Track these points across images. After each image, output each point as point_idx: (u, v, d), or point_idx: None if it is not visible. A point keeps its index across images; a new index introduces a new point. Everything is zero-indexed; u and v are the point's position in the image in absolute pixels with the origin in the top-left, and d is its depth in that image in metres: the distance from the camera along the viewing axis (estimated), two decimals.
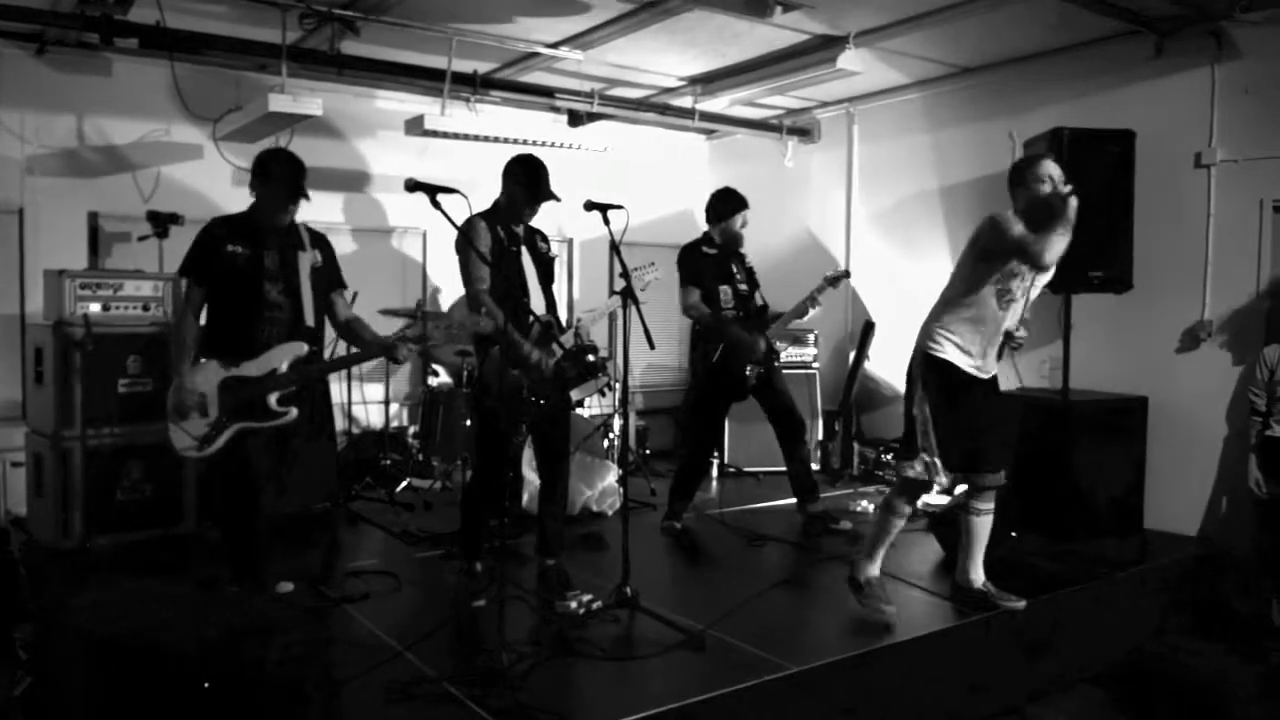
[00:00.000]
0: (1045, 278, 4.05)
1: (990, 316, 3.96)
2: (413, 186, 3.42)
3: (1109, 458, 5.40)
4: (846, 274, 5.99)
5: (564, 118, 7.28)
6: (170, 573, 4.62)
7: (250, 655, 3.32)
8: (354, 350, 4.16)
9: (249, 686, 3.00)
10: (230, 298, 3.81)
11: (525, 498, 5.48)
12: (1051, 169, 3.95)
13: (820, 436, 7.39)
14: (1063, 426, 5.28)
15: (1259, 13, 5.14)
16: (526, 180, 4.25)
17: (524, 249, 4.32)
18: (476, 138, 6.35)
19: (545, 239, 4.49)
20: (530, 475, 5.41)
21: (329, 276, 4.06)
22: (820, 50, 6.01)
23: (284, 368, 3.76)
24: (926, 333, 4.06)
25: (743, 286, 5.56)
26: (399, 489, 6.18)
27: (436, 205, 3.37)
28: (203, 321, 3.88)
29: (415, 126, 6.10)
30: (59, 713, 3.21)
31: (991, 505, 4.15)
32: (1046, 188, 3.90)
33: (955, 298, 4.02)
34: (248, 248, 3.80)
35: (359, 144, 6.99)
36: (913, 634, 3.91)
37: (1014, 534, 4.98)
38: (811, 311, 5.63)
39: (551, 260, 4.49)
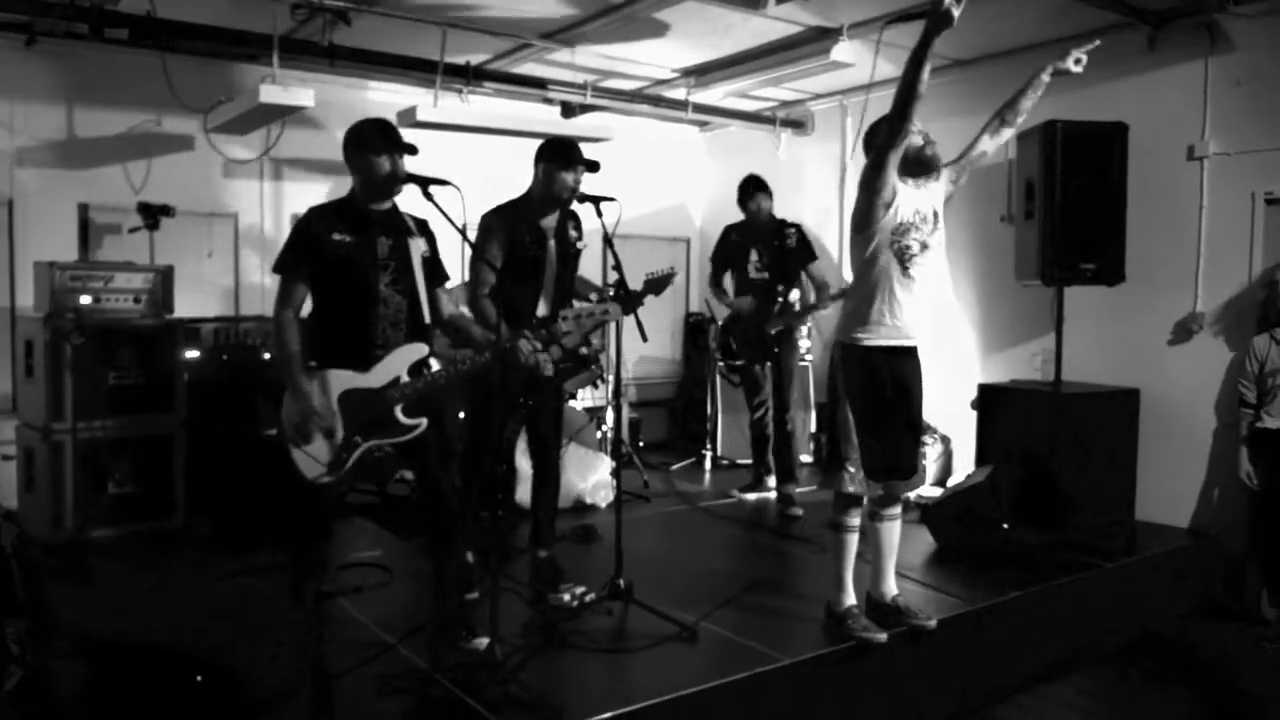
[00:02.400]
0: (941, 226, 3.68)
1: (901, 286, 3.59)
2: (405, 178, 3.40)
3: (1101, 449, 5.42)
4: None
5: (557, 109, 7.26)
6: (162, 567, 4.62)
7: (243, 649, 3.32)
8: (466, 353, 3.60)
9: (241, 680, 2.99)
10: (339, 294, 3.36)
11: (518, 490, 5.48)
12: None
13: (814, 428, 7.39)
14: (1055, 418, 5.28)
15: (1251, 5, 5.14)
16: (560, 153, 4.15)
17: (552, 243, 4.23)
18: (469, 129, 6.33)
19: (578, 226, 4.37)
20: (523, 467, 5.40)
21: (436, 267, 3.60)
22: (814, 42, 6.00)
23: (405, 374, 3.35)
24: (843, 325, 3.74)
25: (758, 274, 5.74)
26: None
27: (429, 197, 3.34)
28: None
29: (408, 118, 6.08)
30: (50, 707, 3.20)
31: (899, 510, 3.88)
32: (917, 140, 3.62)
33: (860, 281, 3.69)
34: (355, 235, 3.35)
35: None
36: (898, 627, 3.87)
37: (1005, 525, 4.99)
38: (822, 309, 5.73)
39: (578, 253, 4.39)
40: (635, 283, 4.06)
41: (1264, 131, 5.29)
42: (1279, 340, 4.94)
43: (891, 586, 3.93)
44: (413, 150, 3.44)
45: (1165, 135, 5.62)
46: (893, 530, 3.88)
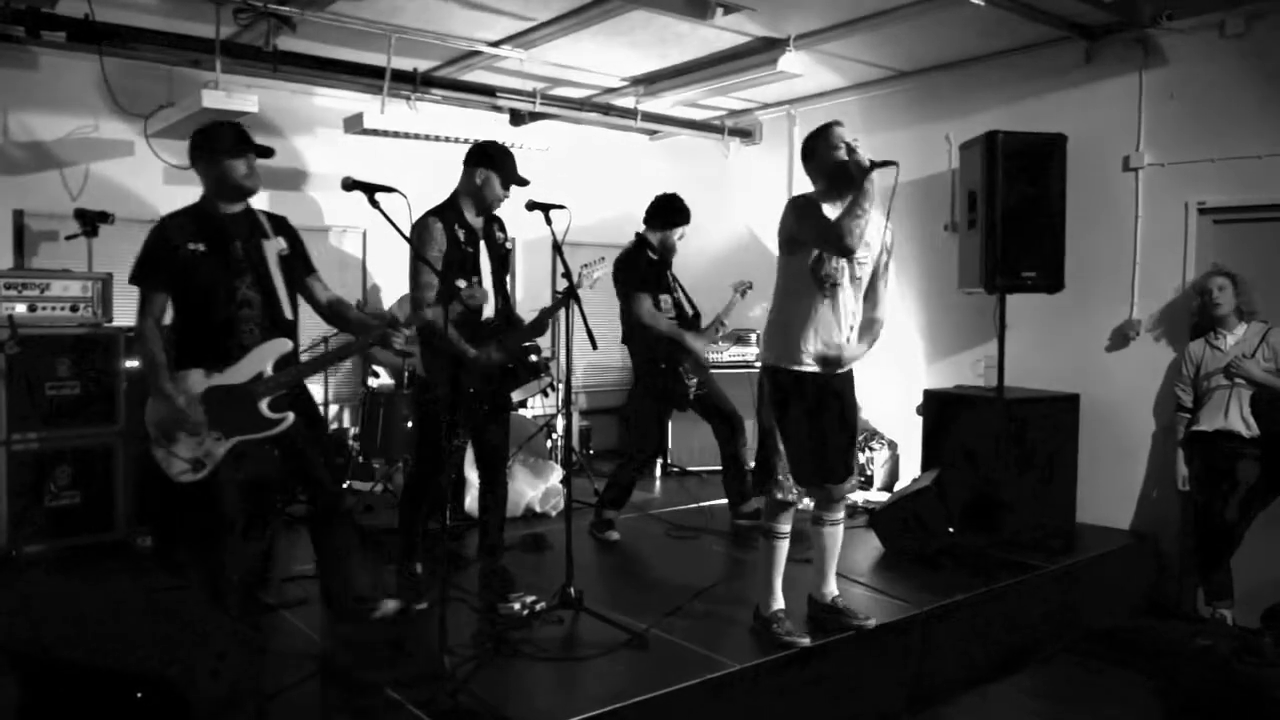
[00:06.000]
0: (871, 257, 3.75)
1: (820, 310, 3.65)
2: (350, 185, 3.36)
3: (1042, 453, 5.53)
4: (749, 285, 5.90)
5: (506, 117, 7.24)
6: (102, 581, 4.51)
7: (184, 663, 3.25)
8: (347, 340, 3.78)
9: (183, 695, 2.93)
10: (198, 300, 3.44)
11: (467, 499, 5.45)
12: (843, 134, 3.64)
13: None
14: (997, 423, 5.38)
15: (1184, 20, 5.29)
16: (499, 164, 4.17)
17: (482, 243, 4.26)
18: (417, 136, 6.29)
19: (503, 228, 4.41)
20: (472, 476, 5.37)
21: (300, 262, 3.70)
22: (761, 52, 6.06)
23: (269, 369, 3.45)
24: (765, 344, 3.85)
25: (679, 295, 5.59)
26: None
27: (375, 204, 3.32)
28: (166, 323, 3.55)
29: (354, 125, 6.03)
30: None
31: (842, 515, 3.96)
32: (841, 154, 3.58)
33: (779, 295, 3.78)
34: (208, 243, 3.44)
35: (297, 142, 6.87)
36: (841, 629, 3.91)
37: (951, 529, 5.06)
38: (723, 329, 5.64)
39: (509, 252, 4.44)
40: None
41: (1196, 143, 5.44)
42: (1213, 345, 5.07)
43: (833, 588, 3.99)
44: (268, 152, 3.55)
45: (1102, 146, 5.76)
46: (835, 534, 3.96)
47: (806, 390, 3.71)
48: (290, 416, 3.46)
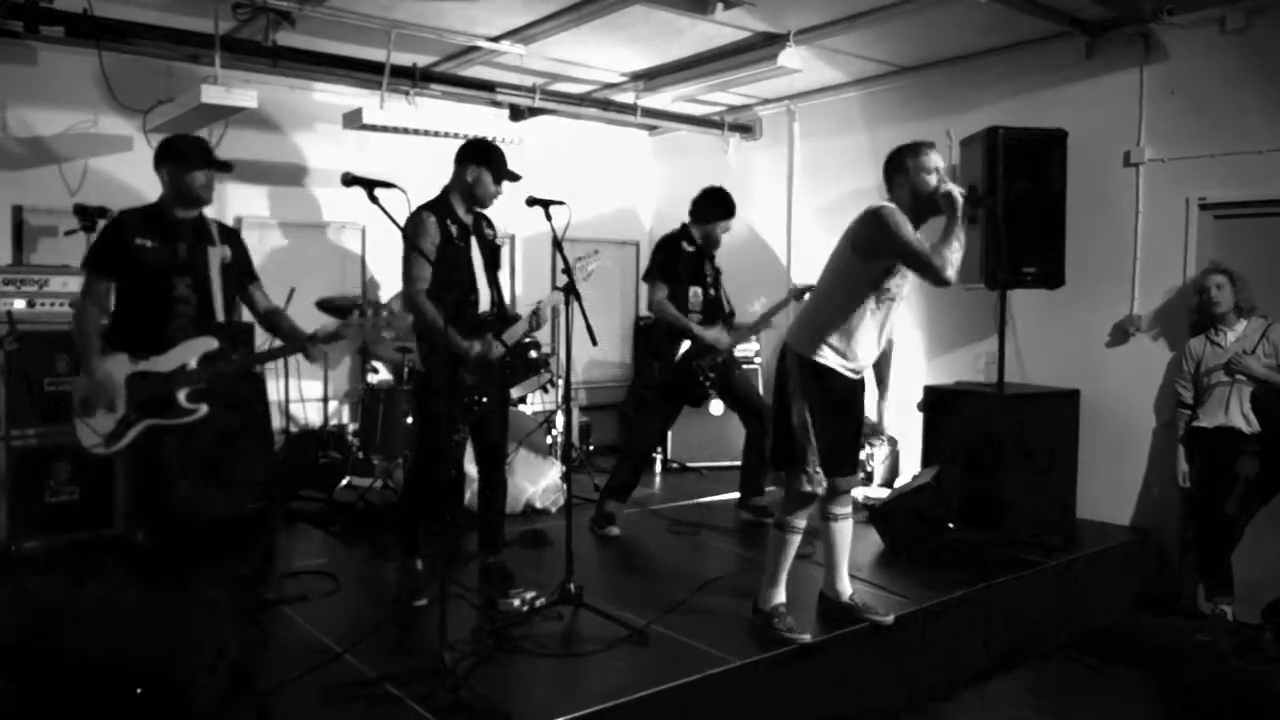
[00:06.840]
0: (908, 283, 3.75)
1: (868, 318, 3.67)
2: (350, 181, 3.35)
3: (1042, 449, 5.52)
4: (809, 289, 5.87)
5: (505, 112, 7.24)
6: (100, 576, 4.51)
7: (184, 660, 3.25)
8: (274, 345, 4.06)
9: (183, 692, 2.93)
10: (138, 292, 3.71)
11: (467, 495, 5.44)
12: (937, 160, 3.63)
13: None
14: (998, 419, 5.37)
15: (1184, 16, 5.28)
16: (491, 160, 4.21)
17: (473, 239, 4.28)
18: (416, 132, 6.27)
19: (491, 224, 4.44)
20: (472, 472, 5.37)
21: (241, 271, 3.95)
22: (761, 48, 6.05)
23: (193, 363, 3.68)
24: (802, 336, 3.77)
25: (712, 291, 5.57)
26: (339, 488, 6.09)
27: (374, 200, 3.31)
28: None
29: (353, 120, 6.01)
30: None
31: (850, 509, 3.98)
32: (932, 182, 3.59)
33: (832, 298, 3.73)
34: (158, 241, 3.70)
35: (296, 137, 6.87)
36: (856, 624, 3.94)
37: (951, 525, 5.07)
38: (762, 328, 5.66)
39: (498, 247, 4.46)
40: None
41: (1197, 138, 5.43)
42: (1214, 341, 5.07)
43: (847, 585, 4.01)
44: (228, 168, 3.82)
45: (1103, 142, 5.74)
46: (846, 529, 3.97)
47: (838, 385, 3.74)
48: (203, 409, 3.67)
